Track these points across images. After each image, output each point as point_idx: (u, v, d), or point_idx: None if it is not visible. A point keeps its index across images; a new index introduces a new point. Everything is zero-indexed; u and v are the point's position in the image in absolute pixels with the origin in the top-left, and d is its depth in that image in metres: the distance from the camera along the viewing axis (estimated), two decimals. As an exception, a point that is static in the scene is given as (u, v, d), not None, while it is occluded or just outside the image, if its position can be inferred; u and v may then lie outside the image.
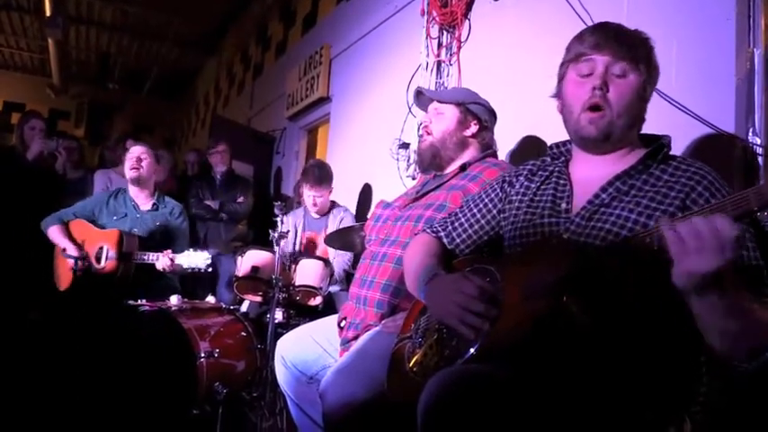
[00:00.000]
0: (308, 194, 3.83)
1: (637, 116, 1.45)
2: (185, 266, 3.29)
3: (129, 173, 3.65)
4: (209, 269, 3.34)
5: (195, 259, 3.28)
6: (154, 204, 3.72)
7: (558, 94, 1.53)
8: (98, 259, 3.41)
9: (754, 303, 1.14)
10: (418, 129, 2.33)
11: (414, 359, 1.53)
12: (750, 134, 1.98)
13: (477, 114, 2.24)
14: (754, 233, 1.29)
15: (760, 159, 1.96)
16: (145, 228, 3.61)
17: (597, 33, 1.43)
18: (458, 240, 1.72)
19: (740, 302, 1.11)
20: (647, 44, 1.44)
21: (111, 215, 3.63)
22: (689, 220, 1.05)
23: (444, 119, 2.23)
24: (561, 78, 1.51)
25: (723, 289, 1.08)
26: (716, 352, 1.20)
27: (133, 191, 3.71)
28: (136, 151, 3.68)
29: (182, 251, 3.34)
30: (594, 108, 1.41)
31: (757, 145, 1.96)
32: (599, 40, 1.41)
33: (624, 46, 1.40)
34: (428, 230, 1.79)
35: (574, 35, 1.50)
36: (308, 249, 3.88)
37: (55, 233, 3.57)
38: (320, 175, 3.82)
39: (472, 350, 1.33)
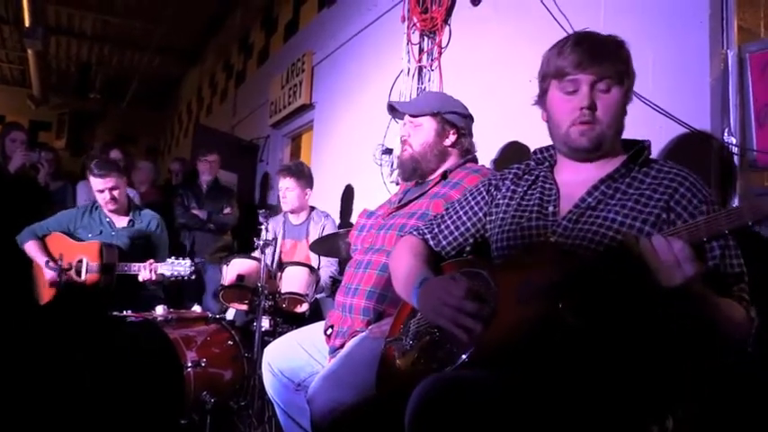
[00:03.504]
0: (281, 186, 3.80)
1: (621, 125, 1.49)
2: (168, 275, 3.27)
3: (106, 207, 3.56)
4: (193, 276, 3.33)
5: (178, 267, 3.27)
6: (130, 221, 3.66)
7: (542, 105, 1.56)
8: (78, 272, 3.38)
9: (722, 304, 1.25)
10: (401, 138, 2.34)
11: (404, 361, 1.54)
12: (725, 134, 2.02)
13: (455, 123, 2.23)
14: (737, 241, 1.36)
15: (735, 159, 2.00)
16: (122, 244, 3.56)
17: (577, 51, 1.43)
18: (444, 242, 1.74)
19: (711, 308, 1.23)
20: (626, 54, 1.46)
21: (86, 231, 3.58)
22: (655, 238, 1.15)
23: (422, 131, 2.23)
24: (544, 92, 1.53)
25: (693, 298, 1.19)
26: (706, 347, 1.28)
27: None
28: (106, 184, 3.50)
29: (162, 261, 3.32)
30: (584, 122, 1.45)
31: (732, 144, 2.00)
32: (581, 58, 1.42)
33: (606, 62, 1.42)
34: (414, 232, 1.80)
35: (552, 41, 1.52)
36: (282, 253, 3.86)
37: (32, 248, 3.53)
38: (296, 169, 3.79)
39: (464, 356, 1.34)
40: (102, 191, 3.52)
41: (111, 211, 3.61)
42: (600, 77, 1.42)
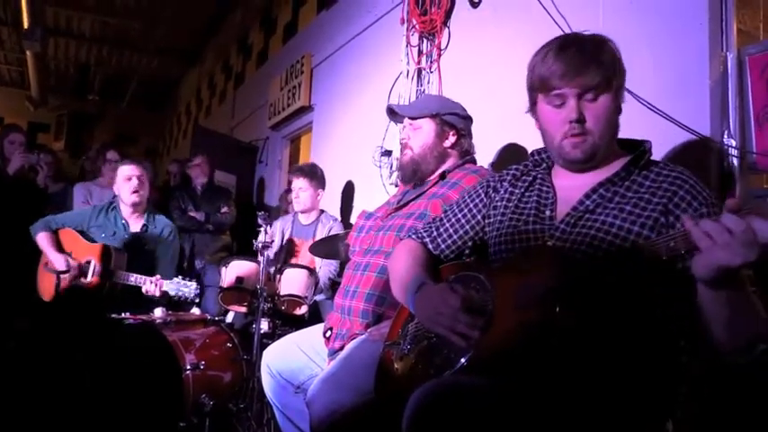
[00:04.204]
0: (294, 186, 3.88)
1: (615, 128, 1.46)
2: (172, 294, 3.25)
3: (130, 197, 3.55)
4: (197, 299, 3.33)
5: (183, 288, 3.25)
6: (144, 225, 3.64)
7: (534, 116, 1.54)
8: (84, 273, 3.37)
9: (754, 296, 1.20)
10: (401, 141, 2.34)
11: (402, 366, 1.54)
12: (725, 136, 2.02)
13: (454, 124, 2.24)
14: None
15: (735, 161, 2.00)
16: (132, 247, 3.54)
17: (561, 60, 1.40)
18: (443, 246, 1.73)
19: (748, 296, 1.18)
20: (611, 56, 1.42)
21: (100, 231, 3.56)
22: (717, 218, 1.09)
23: (422, 133, 2.23)
24: (533, 102, 1.52)
25: (738, 283, 1.15)
26: (715, 344, 1.23)
27: (126, 210, 3.63)
28: (134, 171, 3.56)
29: (170, 271, 3.31)
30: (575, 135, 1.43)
31: (732, 147, 2.00)
32: (565, 68, 1.39)
33: (590, 71, 1.38)
34: (413, 236, 1.79)
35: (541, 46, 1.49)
36: (289, 252, 3.87)
37: (43, 240, 3.50)
38: (309, 170, 3.88)
39: (463, 360, 1.34)
40: (130, 178, 3.56)
41: (134, 205, 3.59)
42: (585, 89, 1.39)
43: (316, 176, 3.87)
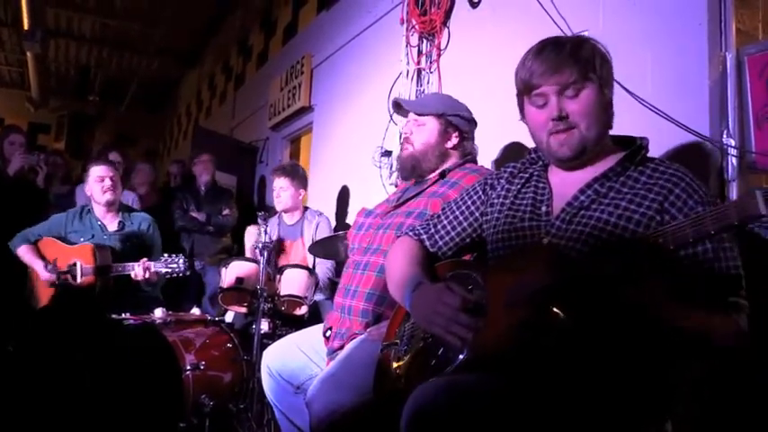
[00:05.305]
0: (275, 186, 3.87)
1: (605, 122, 1.46)
2: (163, 272, 3.28)
3: (102, 197, 3.57)
4: (188, 272, 3.35)
5: (172, 264, 3.29)
6: (120, 223, 3.66)
7: (524, 121, 1.56)
8: (73, 276, 3.38)
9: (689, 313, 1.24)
10: (400, 137, 2.33)
11: (399, 366, 1.54)
12: (724, 136, 2.02)
13: (458, 126, 2.23)
14: (736, 243, 1.32)
15: (734, 161, 2.00)
16: (114, 246, 3.56)
17: (539, 61, 1.43)
18: (440, 243, 1.73)
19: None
20: (589, 52, 1.43)
21: (78, 236, 3.57)
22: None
23: (425, 130, 2.22)
24: (521, 107, 1.54)
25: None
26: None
27: (100, 211, 3.64)
28: (108, 172, 3.60)
29: (156, 260, 3.34)
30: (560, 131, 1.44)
31: (731, 146, 2.00)
32: (543, 68, 1.42)
33: (565, 69, 1.40)
34: (410, 233, 1.79)
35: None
36: (278, 253, 3.86)
37: (25, 253, 3.54)
38: (290, 169, 3.87)
39: (460, 357, 1.34)
40: (102, 178, 3.58)
41: (108, 204, 3.61)
42: (564, 86, 1.41)
43: (297, 175, 3.85)
